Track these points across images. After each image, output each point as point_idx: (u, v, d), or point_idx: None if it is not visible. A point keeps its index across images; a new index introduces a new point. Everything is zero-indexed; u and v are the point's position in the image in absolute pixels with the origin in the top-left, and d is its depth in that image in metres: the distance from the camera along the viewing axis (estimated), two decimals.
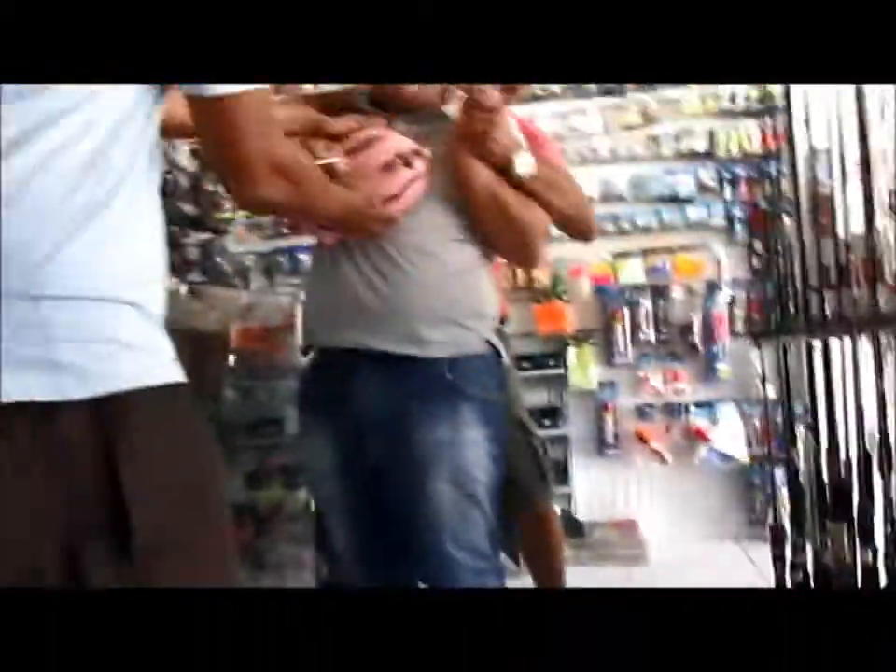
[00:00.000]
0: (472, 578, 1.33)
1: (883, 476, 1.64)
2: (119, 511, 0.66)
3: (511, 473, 1.69)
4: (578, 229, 1.54)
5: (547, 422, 3.00)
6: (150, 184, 0.79)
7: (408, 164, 1.30)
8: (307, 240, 2.12)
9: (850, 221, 1.82)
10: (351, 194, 1.21)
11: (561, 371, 3.10)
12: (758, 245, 3.03)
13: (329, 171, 1.23)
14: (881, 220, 1.79)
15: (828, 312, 1.76)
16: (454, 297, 1.38)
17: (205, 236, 2.72)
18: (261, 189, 0.89)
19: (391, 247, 1.32)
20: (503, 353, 1.46)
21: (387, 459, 1.38)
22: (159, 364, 0.74)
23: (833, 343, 1.72)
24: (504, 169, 1.32)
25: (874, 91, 1.78)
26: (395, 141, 1.33)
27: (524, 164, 1.31)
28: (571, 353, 3.11)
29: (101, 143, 0.74)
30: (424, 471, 1.32)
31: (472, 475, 1.33)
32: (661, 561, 2.88)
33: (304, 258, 3.14)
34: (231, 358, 2.30)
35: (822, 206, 1.99)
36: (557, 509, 2.17)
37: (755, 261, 3.07)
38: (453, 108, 1.48)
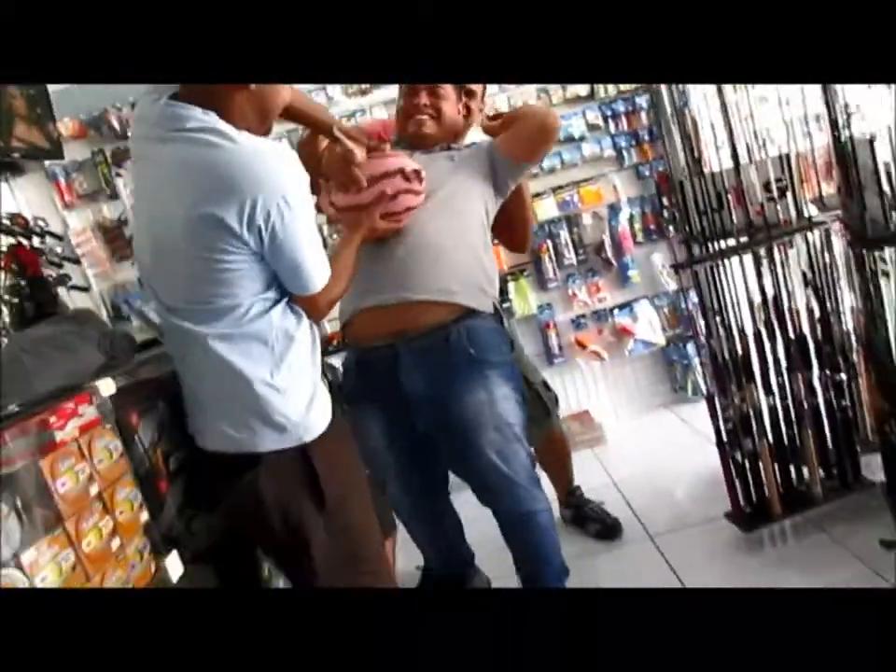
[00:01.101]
0: (525, 490, 1.78)
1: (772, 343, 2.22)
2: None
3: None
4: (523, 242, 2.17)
5: None
6: None
7: (407, 179, 1.60)
8: None
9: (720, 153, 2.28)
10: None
11: (506, 304, 3.37)
12: (643, 170, 3.43)
13: (347, 155, 1.53)
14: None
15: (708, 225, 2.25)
16: (478, 267, 1.76)
17: None
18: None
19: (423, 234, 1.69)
20: (505, 319, 1.91)
21: (437, 427, 1.73)
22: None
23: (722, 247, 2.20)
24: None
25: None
26: (403, 161, 1.63)
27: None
28: (511, 287, 3.43)
29: None
30: (475, 429, 1.69)
31: (509, 422, 1.73)
32: (616, 437, 3.36)
33: None
34: None
35: (690, 133, 2.45)
36: (561, 427, 2.61)
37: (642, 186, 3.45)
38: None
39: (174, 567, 1.18)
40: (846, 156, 1.77)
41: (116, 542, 1.06)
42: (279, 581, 1.56)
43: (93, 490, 1.04)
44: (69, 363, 1.12)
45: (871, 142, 1.73)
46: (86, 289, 3.36)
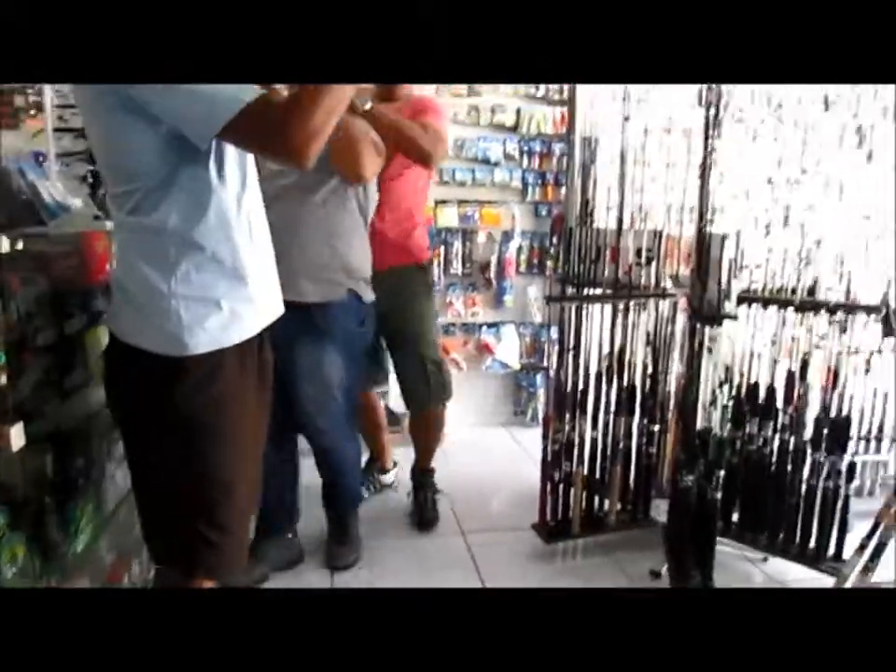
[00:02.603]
0: (330, 441, 2.24)
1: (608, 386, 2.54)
2: None
3: (407, 385, 2.58)
4: (414, 156, 2.28)
5: None
6: None
7: None
8: None
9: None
10: None
11: None
12: (542, 208, 3.72)
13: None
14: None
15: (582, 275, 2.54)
16: (325, 258, 2.04)
17: None
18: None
19: (283, 223, 1.63)
20: (364, 299, 2.18)
21: (286, 377, 1.96)
22: None
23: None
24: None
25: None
26: None
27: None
28: None
29: None
30: (297, 380, 2.07)
31: (328, 380, 2.12)
32: (453, 442, 3.48)
33: None
34: None
35: (590, 189, 2.74)
36: (439, 410, 2.72)
37: (537, 222, 3.71)
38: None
39: (17, 437, 1.18)
40: (702, 246, 2.10)
41: None
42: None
43: None
44: None
45: (723, 239, 2.07)
46: None
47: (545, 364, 3.77)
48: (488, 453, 3.53)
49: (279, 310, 1.34)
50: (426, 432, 2.77)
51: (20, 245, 1.16)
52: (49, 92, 2.35)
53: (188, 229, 1.13)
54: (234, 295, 1.19)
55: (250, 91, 1.00)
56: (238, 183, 1.19)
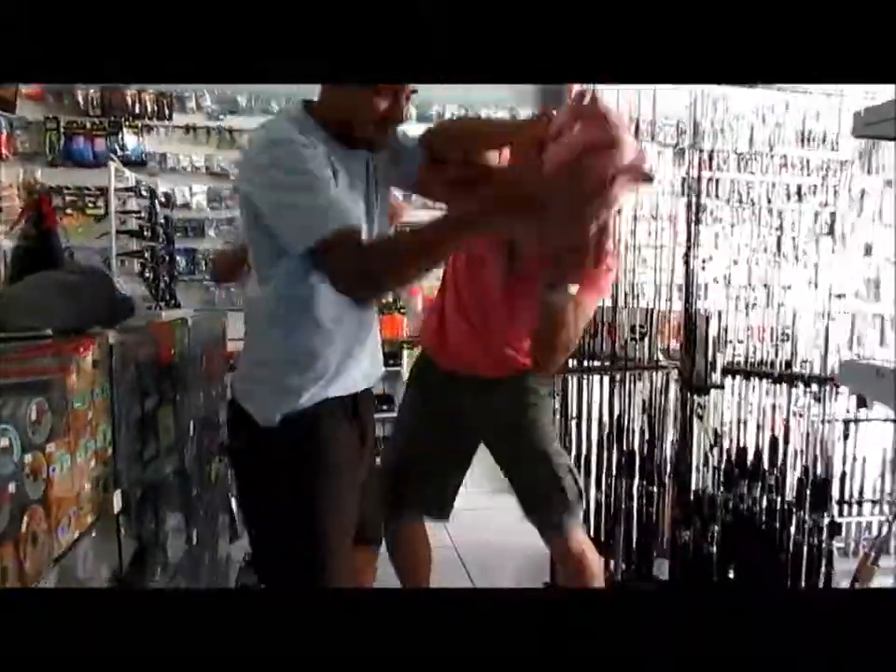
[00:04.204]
0: None
1: (609, 451, 2.76)
2: None
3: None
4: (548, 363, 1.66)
5: (384, 406, 3.63)
6: None
7: None
8: None
9: None
10: None
11: (398, 368, 3.77)
12: None
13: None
14: None
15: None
16: None
17: None
18: None
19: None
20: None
21: None
22: None
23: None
24: None
25: None
26: None
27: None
28: (405, 354, 3.79)
29: None
30: None
31: None
32: (466, 509, 3.78)
33: None
34: None
35: None
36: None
37: None
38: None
39: (117, 503, 1.39)
40: (690, 323, 2.37)
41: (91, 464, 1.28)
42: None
43: (90, 415, 1.27)
44: (83, 309, 1.37)
45: (707, 319, 2.34)
46: None
47: None
48: (500, 517, 3.68)
49: None
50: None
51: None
52: (114, 201, 2.65)
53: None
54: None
55: (333, 221, 1.12)
56: None
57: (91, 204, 3.38)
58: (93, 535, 1.30)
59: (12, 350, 1.15)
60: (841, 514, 2.76)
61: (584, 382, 2.69)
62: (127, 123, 3.52)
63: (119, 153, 3.39)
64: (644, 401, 2.73)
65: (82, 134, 3.52)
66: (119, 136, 3.50)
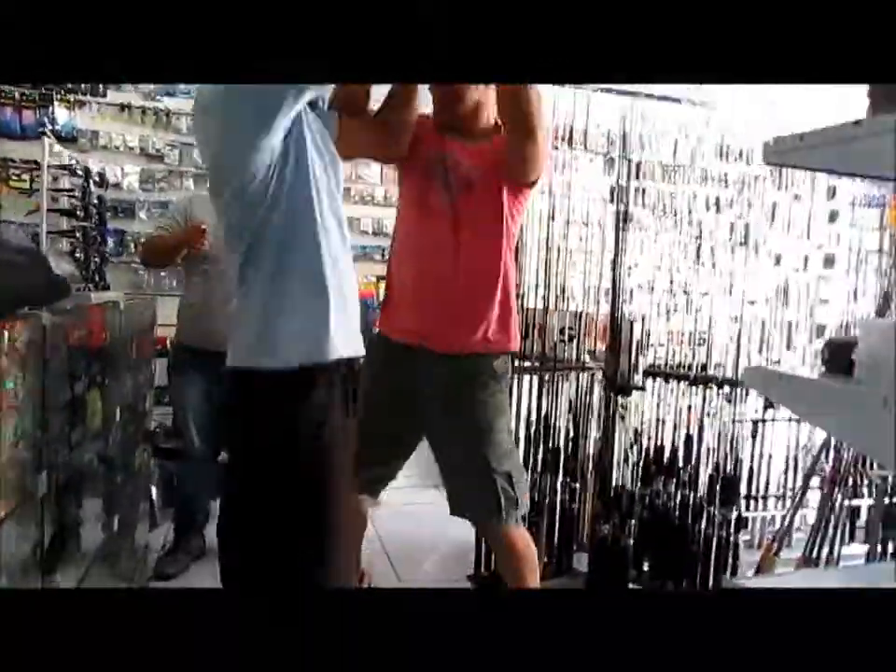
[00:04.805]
0: None
1: (535, 448, 2.86)
2: None
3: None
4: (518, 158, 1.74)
5: None
6: None
7: None
8: None
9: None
10: None
11: None
12: None
13: None
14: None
15: None
16: None
17: None
18: None
19: None
20: None
21: None
22: None
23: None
24: None
25: None
26: None
27: None
28: None
29: None
30: None
31: None
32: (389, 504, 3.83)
33: None
34: None
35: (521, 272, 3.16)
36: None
37: None
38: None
39: (42, 486, 1.37)
40: (615, 326, 2.49)
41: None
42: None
43: (21, 395, 1.25)
44: (16, 290, 1.34)
45: (632, 323, 2.46)
46: None
47: None
48: (424, 511, 3.74)
49: None
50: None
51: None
52: (45, 177, 2.55)
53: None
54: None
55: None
56: None
57: (15, 177, 3.22)
58: (15, 518, 1.28)
59: None
60: (748, 509, 2.97)
61: (513, 383, 2.77)
62: (59, 97, 3.38)
63: (49, 127, 3.25)
64: (570, 401, 2.84)
65: (10, 105, 3.37)
66: (50, 110, 3.35)
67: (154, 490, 2.82)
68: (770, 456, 3.08)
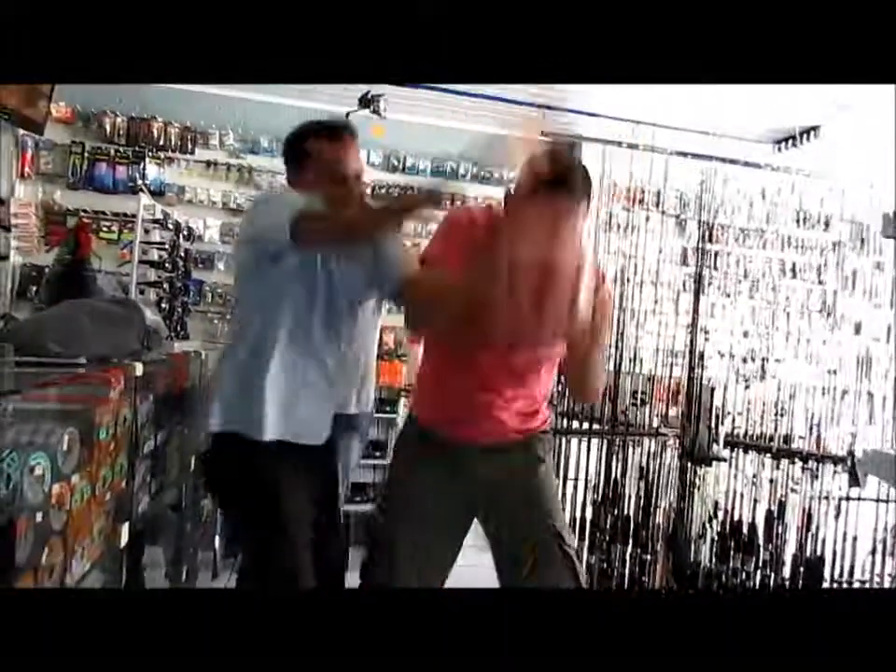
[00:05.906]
0: None
1: (604, 515, 2.75)
2: None
3: None
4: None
5: (378, 453, 3.54)
6: None
7: None
8: None
9: None
10: None
11: (392, 415, 3.61)
12: None
13: None
14: None
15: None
16: None
17: None
18: None
19: None
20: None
21: None
22: None
23: None
24: None
25: None
26: None
27: None
28: (402, 401, 3.66)
29: None
30: None
31: None
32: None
33: None
34: None
35: None
36: None
37: None
38: None
39: (124, 536, 1.37)
40: (693, 393, 2.40)
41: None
42: None
43: (112, 446, 1.27)
44: (116, 339, 1.38)
45: (712, 389, 2.37)
46: (4, 258, 3.38)
47: None
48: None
49: None
50: None
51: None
52: (139, 230, 2.67)
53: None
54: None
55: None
56: None
57: (105, 229, 3.39)
58: (100, 568, 1.28)
59: (48, 376, 1.15)
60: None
61: (581, 444, 2.70)
62: (150, 154, 3.57)
63: (140, 182, 3.43)
64: (641, 468, 2.74)
65: (105, 161, 3.57)
66: (142, 166, 3.54)
67: (217, 540, 2.82)
68: (855, 538, 2.87)
